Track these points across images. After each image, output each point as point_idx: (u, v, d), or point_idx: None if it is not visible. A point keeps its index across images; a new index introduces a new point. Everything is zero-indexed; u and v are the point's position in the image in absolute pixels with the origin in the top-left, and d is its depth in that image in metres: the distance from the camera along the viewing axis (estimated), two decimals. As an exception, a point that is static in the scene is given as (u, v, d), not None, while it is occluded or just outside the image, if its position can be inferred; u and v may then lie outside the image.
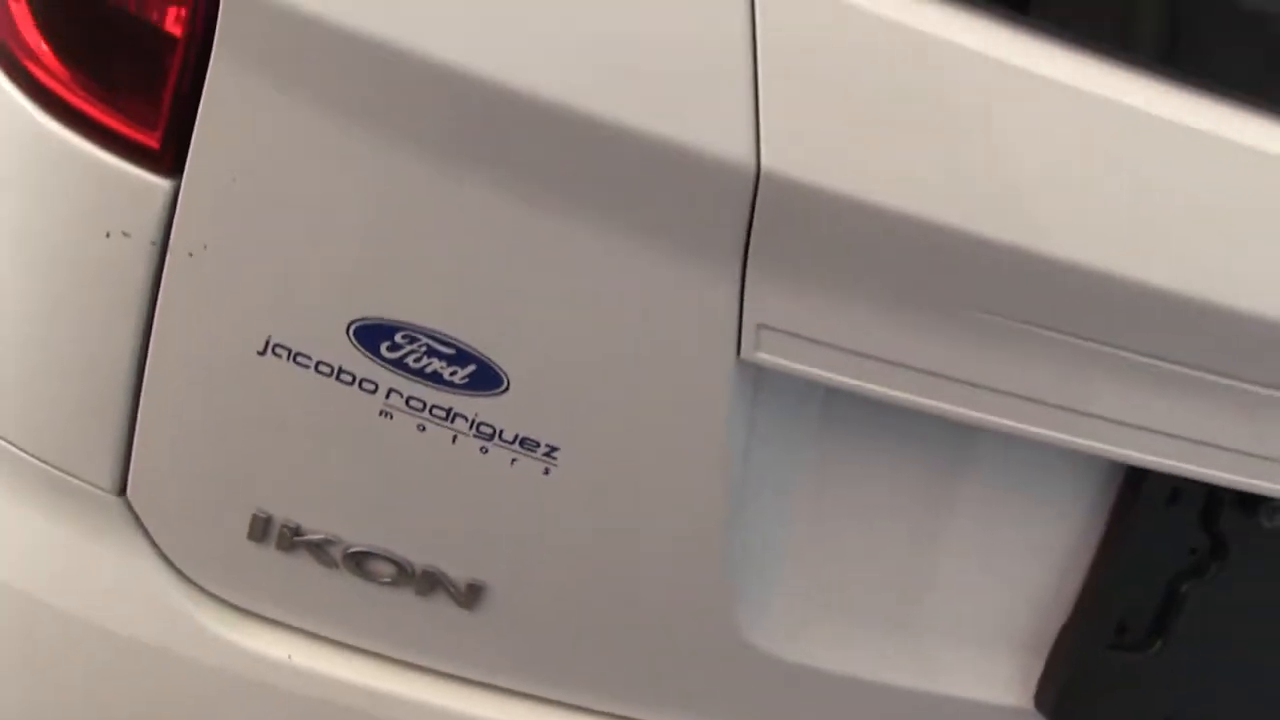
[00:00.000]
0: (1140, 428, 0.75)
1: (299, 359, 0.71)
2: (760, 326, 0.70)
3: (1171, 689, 0.87)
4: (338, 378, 0.71)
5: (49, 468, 0.77)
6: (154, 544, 0.79)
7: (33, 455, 0.77)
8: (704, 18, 0.63)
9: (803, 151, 0.65)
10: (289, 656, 0.80)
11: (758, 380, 0.73)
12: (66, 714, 0.83)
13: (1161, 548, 0.83)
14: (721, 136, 0.64)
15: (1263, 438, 0.76)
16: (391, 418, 0.72)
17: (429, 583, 0.78)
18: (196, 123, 0.67)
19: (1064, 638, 0.85)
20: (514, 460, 0.73)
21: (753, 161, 0.64)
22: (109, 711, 0.82)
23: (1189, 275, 0.69)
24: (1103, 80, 0.66)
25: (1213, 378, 0.73)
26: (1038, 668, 0.86)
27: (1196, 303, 0.69)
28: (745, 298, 0.69)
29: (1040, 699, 0.86)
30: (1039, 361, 0.73)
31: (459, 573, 0.78)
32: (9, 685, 0.82)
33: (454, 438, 0.73)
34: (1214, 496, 0.82)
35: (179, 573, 0.79)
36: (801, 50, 0.64)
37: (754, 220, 0.66)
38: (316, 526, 0.77)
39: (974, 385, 0.73)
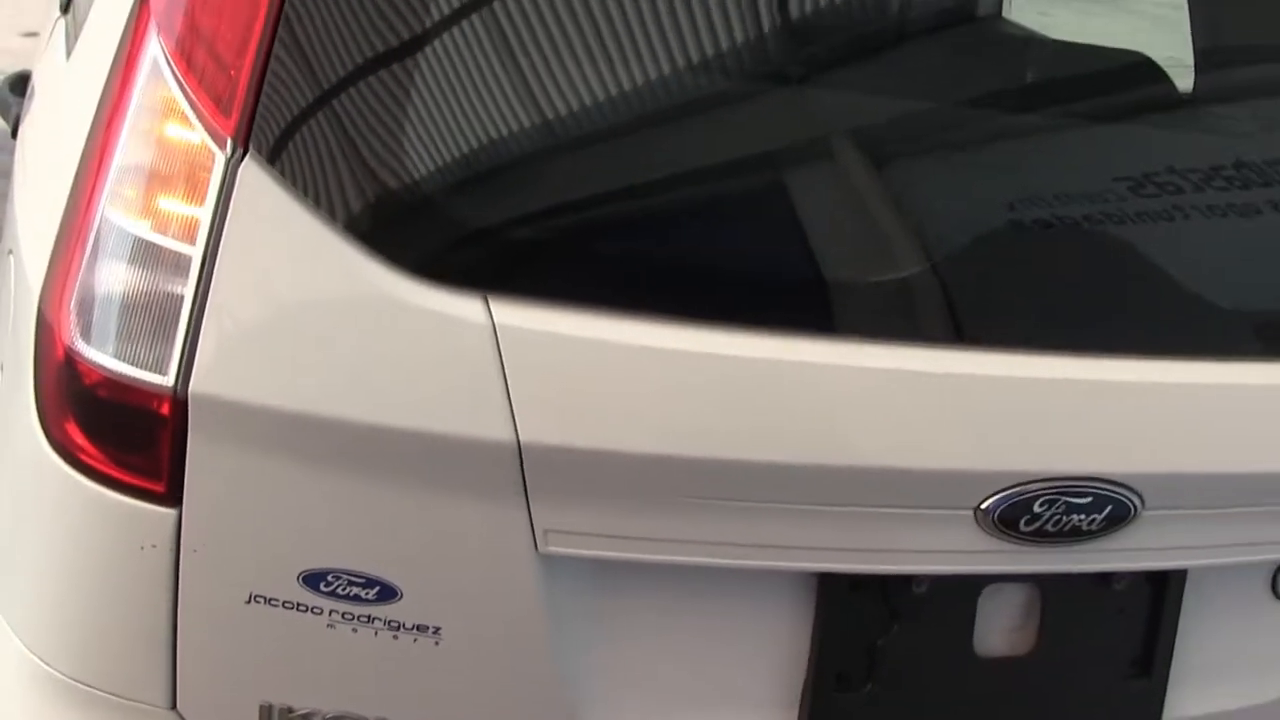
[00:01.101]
0: (804, 548, 1.20)
1: (270, 601, 1.15)
2: (547, 531, 1.14)
3: (883, 715, 1.30)
4: (296, 609, 1.15)
5: (122, 699, 1.20)
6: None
7: (108, 691, 1.20)
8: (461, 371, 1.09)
9: (548, 423, 1.10)
10: None
11: (553, 563, 1.17)
12: None
13: (857, 619, 1.27)
14: (490, 428, 1.09)
15: (877, 539, 1.20)
16: (334, 627, 1.16)
17: None
18: (186, 474, 1.11)
19: (804, 691, 1.27)
20: (415, 639, 1.16)
21: (514, 437, 1.09)
22: None
23: (805, 450, 1.14)
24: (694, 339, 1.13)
25: (835, 508, 1.18)
26: (794, 714, 1.28)
27: (812, 467, 1.14)
28: (532, 515, 1.13)
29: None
30: (731, 520, 1.17)
31: (384, 715, 1.20)
32: None
33: (375, 632, 1.16)
34: (883, 579, 1.25)
35: None
36: (541, 377, 1.10)
37: (524, 469, 1.11)
38: (301, 705, 1.19)
39: (699, 542, 1.18)
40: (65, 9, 1.77)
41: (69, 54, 1.53)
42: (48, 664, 1.21)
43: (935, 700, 1.32)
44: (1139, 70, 1.47)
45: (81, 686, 1.20)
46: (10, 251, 1.37)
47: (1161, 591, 1.36)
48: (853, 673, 1.28)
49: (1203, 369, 1.29)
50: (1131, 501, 1.24)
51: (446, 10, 1.15)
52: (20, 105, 1.90)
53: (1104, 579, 1.33)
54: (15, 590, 1.24)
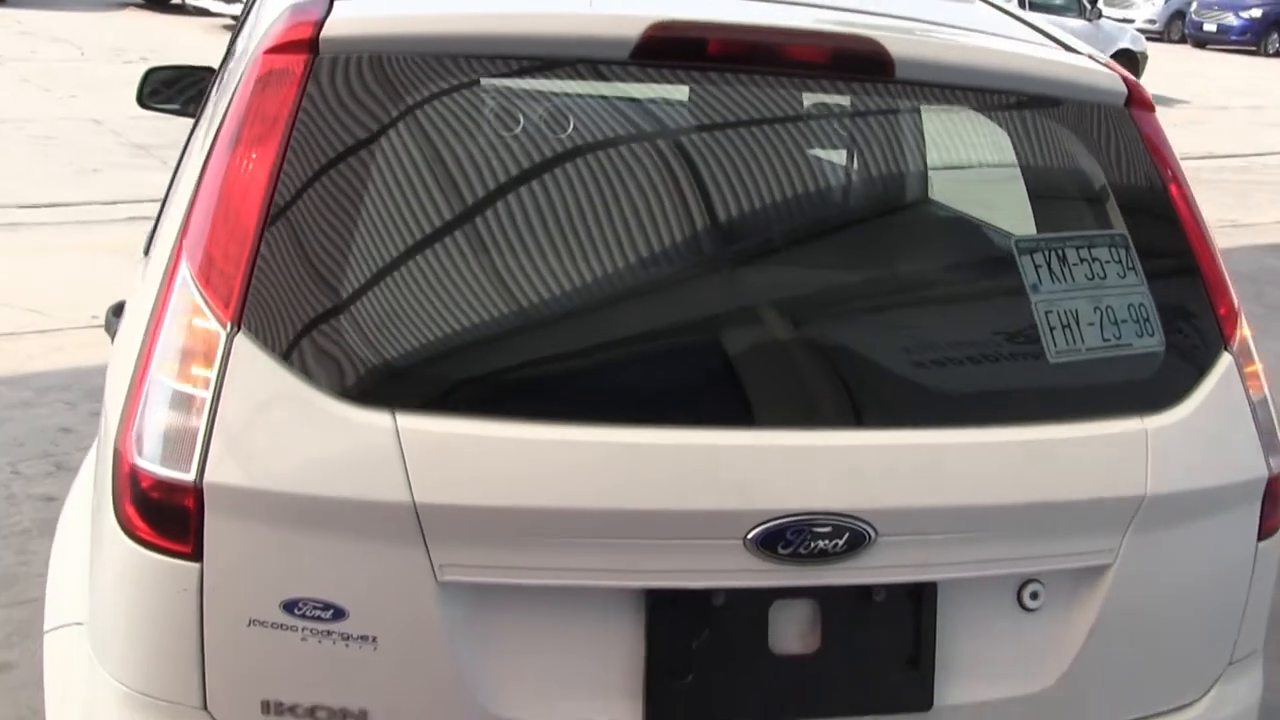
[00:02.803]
0: (631, 571, 1.73)
1: (262, 624, 1.71)
2: (441, 565, 1.69)
3: (707, 698, 1.80)
4: (280, 628, 1.70)
5: (171, 703, 1.75)
6: (222, 727, 1.76)
7: (161, 698, 1.75)
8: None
9: (435, 489, 1.66)
10: None
11: (448, 588, 1.71)
12: None
13: (676, 626, 1.78)
14: (397, 494, 1.66)
15: (679, 563, 1.72)
16: (305, 640, 1.71)
17: (346, 715, 1.74)
18: (205, 539, 1.69)
19: (644, 683, 1.78)
20: (360, 646, 1.71)
21: (408, 496, 1.66)
22: None
23: (624, 499, 1.69)
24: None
25: (649, 541, 1.71)
26: (638, 702, 1.79)
27: (629, 511, 1.69)
28: (430, 554, 1.69)
29: (647, 718, 1.79)
30: (577, 552, 1.71)
31: (358, 705, 1.74)
32: None
33: (333, 642, 1.71)
34: (690, 594, 1.77)
35: None
36: (428, 459, 1.67)
37: (421, 522, 1.67)
38: (288, 699, 1.74)
39: (555, 569, 1.72)
40: (146, 252, 2.45)
41: (142, 280, 2.19)
42: (121, 682, 1.78)
43: (744, 689, 1.82)
44: None
45: (142, 696, 1.76)
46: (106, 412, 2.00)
47: (918, 602, 1.85)
48: (677, 668, 1.79)
49: (910, 434, 1.82)
50: (866, 530, 1.76)
51: (367, 248, 1.76)
52: (117, 324, 2.58)
53: (865, 592, 1.83)
54: (99, 624, 1.82)
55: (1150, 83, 18.70)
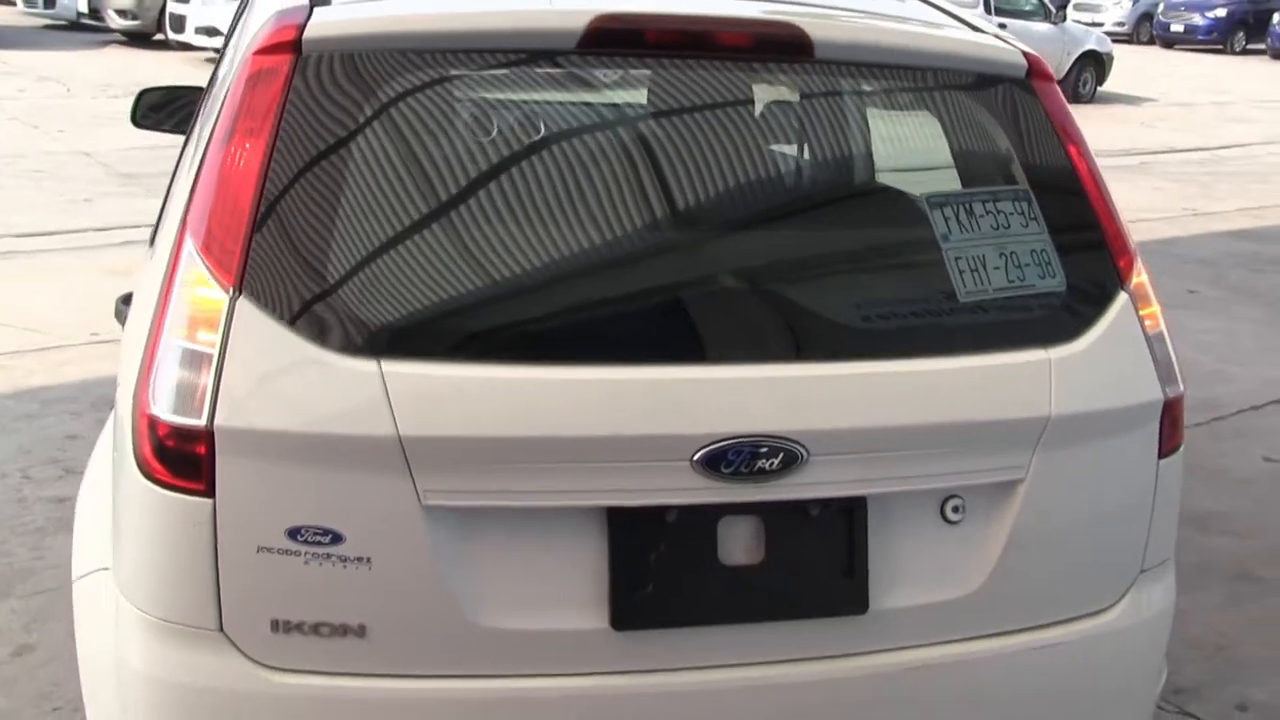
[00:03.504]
0: (594, 491, 1.97)
1: (269, 550, 1.93)
2: (425, 491, 1.93)
3: (665, 605, 2.02)
4: (285, 554, 1.93)
5: (190, 627, 1.98)
6: (235, 645, 1.98)
7: (181, 623, 1.98)
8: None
9: (417, 422, 1.90)
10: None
11: (432, 511, 1.94)
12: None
13: (634, 541, 2.01)
14: (383, 429, 1.89)
15: (635, 483, 1.96)
16: (308, 563, 1.94)
17: (347, 630, 1.97)
18: (216, 477, 1.92)
19: (611, 593, 2.01)
20: (356, 567, 1.94)
21: (393, 430, 1.89)
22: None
23: (584, 427, 1.93)
24: None
25: (607, 464, 1.95)
26: (604, 609, 2.02)
27: (590, 438, 1.93)
28: (415, 481, 1.92)
29: (612, 624, 2.02)
30: (545, 476, 1.95)
31: (356, 620, 1.97)
32: (181, 711, 1.99)
33: (332, 563, 1.94)
34: (646, 510, 2.00)
35: (247, 656, 1.98)
36: (411, 398, 1.91)
37: (405, 452, 1.90)
38: (295, 618, 1.96)
39: (527, 492, 1.95)
40: (151, 243, 2.69)
41: (150, 263, 2.43)
42: (145, 611, 2.00)
43: (697, 597, 2.05)
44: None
45: (165, 623, 1.99)
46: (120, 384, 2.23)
47: (850, 516, 2.09)
48: (637, 579, 2.02)
49: (838, 365, 2.06)
50: (799, 450, 1.99)
51: (350, 222, 1.99)
52: (126, 312, 2.83)
53: (802, 507, 2.06)
54: (124, 563, 2.05)
55: (1118, 83, 19.22)
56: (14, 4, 20.09)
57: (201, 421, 1.91)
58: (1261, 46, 28.62)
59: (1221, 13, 28.95)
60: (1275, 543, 4.49)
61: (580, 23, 2.07)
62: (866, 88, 2.45)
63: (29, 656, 3.42)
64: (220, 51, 3.43)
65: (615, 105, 2.29)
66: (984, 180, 2.33)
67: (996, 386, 2.13)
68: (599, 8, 2.09)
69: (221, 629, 1.98)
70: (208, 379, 1.92)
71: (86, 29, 19.37)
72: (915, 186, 2.34)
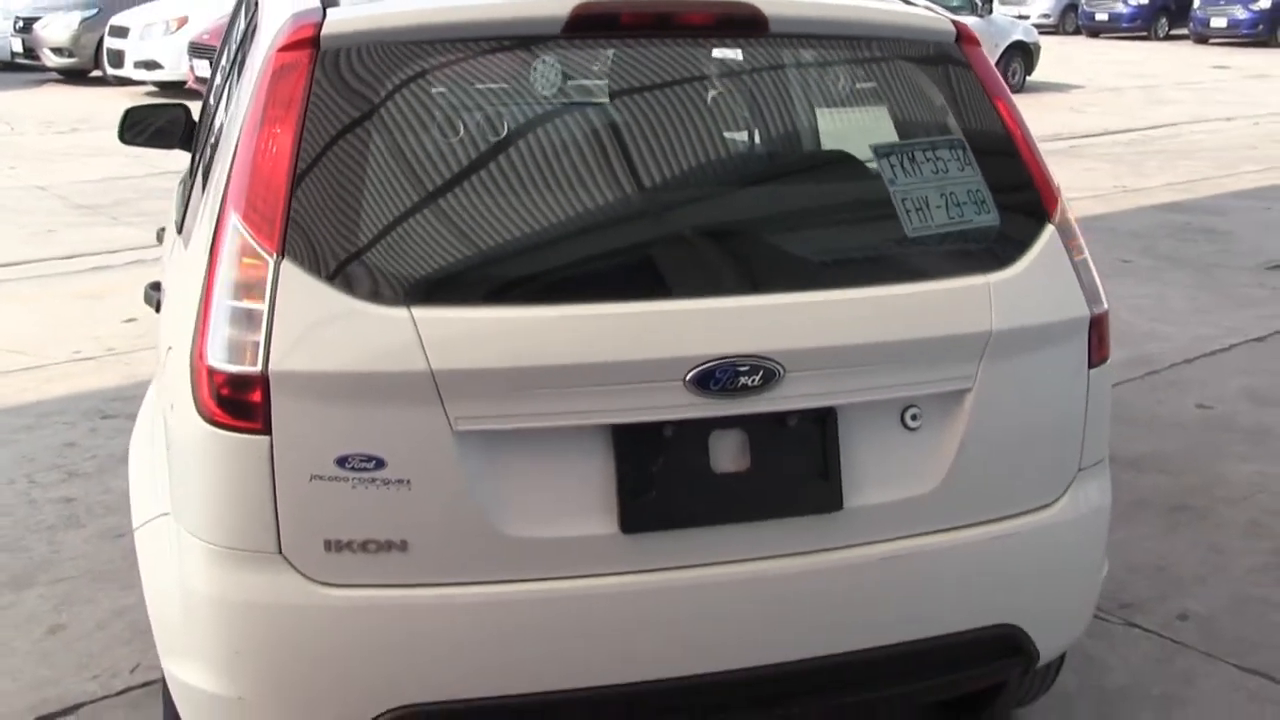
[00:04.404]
0: (600, 411, 2.26)
1: (321, 477, 2.21)
2: (456, 418, 2.21)
3: (667, 510, 2.32)
4: (334, 480, 2.21)
5: (250, 551, 2.25)
6: (292, 565, 2.25)
7: (242, 549, 2.25)
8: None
9: (447, 357, 2.19)
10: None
11: (463, 436, 2.23)
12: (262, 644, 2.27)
13: (637, 454, 2.30)
14: (416, 364, 2.17)
15: (635, 403, 2.26)
16: (355, 487, 2.21)
17: (391, 545, 2.24)
18: (272, 417, 2.19)
19: (619, 501, 2.30)
20: (397, 488, 2.22)
21: (426, 366, 2.18)
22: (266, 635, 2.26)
23: (589, 353, 2.22)
24: None
25: (611, 387, 2.24)
26: (613, 516, 2.31)
27: (594, 364, 2.22)
28: (446, 409, 2.20)
29: (621, 528, 2.31)
30: (559, 400, 2.24)
31: (399, 536, 2.25)
32: (245, 627, 2.26)
33: (376, 486, 2.21)
34: (646, 427, 2.30)
35: (304, 574, 2.25)
36: (441, 336, 2.19)
37: (437, 384, 2.19)
38: (344, 536, 2.24)
39: (545, 413, 2.24)
40: (179, 229, 2.96)
41: (186, 246, 2.70)
42: (211, 542, 2.27)
43: (694, 502, 2.35)
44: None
45: (229, 550, 2.26)
46: (170, 348, 2.48)
47: (823, 425, 2.39)
48: (641, 488, 2.31)
49: (806, 295, 2.37)
50: (776, 368, 2.29)
51: (374, 189, 2.27)
52: (158, 296, 3.10)
53: (781, 418, 2.36)
54: (187, 503, 2.31)
55: (1046, 72, 19.77)
56: (-55, 47, 20.11)
57: (257, 368, 2.18)
58: (1184, 31, 29.35)
59: (1144, 0, 29.69)
60: (1206, 477, 4.84)
61: (564, 10, 2.36)
62: (818, 56, 2.77)
63: (62, 634, 3.66)
64: (214, 61, 3.70)
65: (602, 81, 2.60)
66: (923, 132, 2.65)
67: (944, 308, 2.44)
68: None
69: (280, 551, 2.25)
70: (260, 330, 2.19)
71: (21, 68, 19.43)
72: (865, 139, 2.66)
